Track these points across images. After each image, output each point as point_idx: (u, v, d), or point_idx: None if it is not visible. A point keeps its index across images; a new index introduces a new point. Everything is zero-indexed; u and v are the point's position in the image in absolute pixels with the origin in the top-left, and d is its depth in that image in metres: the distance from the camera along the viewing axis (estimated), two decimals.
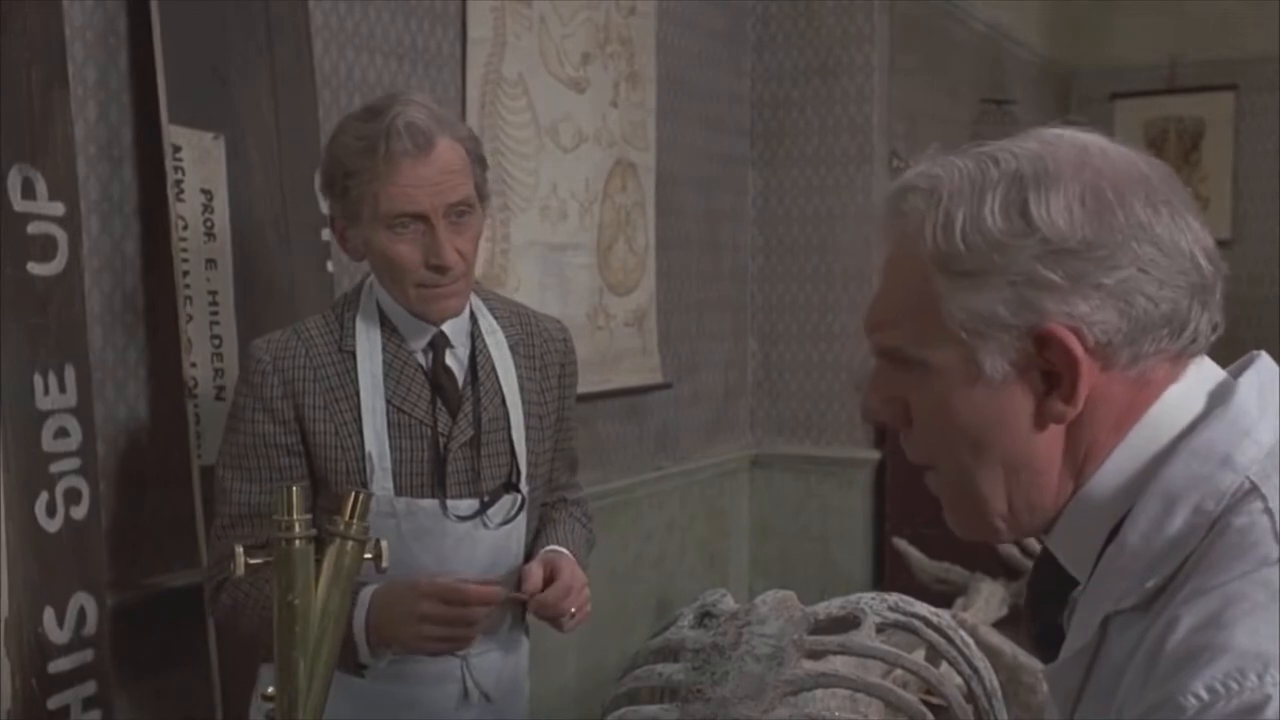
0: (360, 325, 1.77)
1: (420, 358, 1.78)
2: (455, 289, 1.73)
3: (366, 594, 1.66)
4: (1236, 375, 0.94)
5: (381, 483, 1.72)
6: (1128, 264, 0.88)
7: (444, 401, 1.77)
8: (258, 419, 1.73)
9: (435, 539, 1.75)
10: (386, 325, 1.77)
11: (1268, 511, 0.84)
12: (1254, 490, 0.86)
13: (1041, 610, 1.07)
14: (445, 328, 1.79)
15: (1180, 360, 0.92)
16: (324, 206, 2.32)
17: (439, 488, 1.75)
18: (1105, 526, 0.93)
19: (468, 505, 1.77)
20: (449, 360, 1.79)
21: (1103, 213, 0.89)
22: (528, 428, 1.83)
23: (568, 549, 1.85)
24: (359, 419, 1.73)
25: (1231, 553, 0.84)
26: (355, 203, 1.70)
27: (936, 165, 0.95)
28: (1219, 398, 0.92)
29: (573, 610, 1.75)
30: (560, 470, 1.98)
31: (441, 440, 1.76)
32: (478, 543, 1.78)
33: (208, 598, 1.79)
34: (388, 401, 1.74)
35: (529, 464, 1.83)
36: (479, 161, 1.75)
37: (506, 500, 1.80)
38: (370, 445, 1.73)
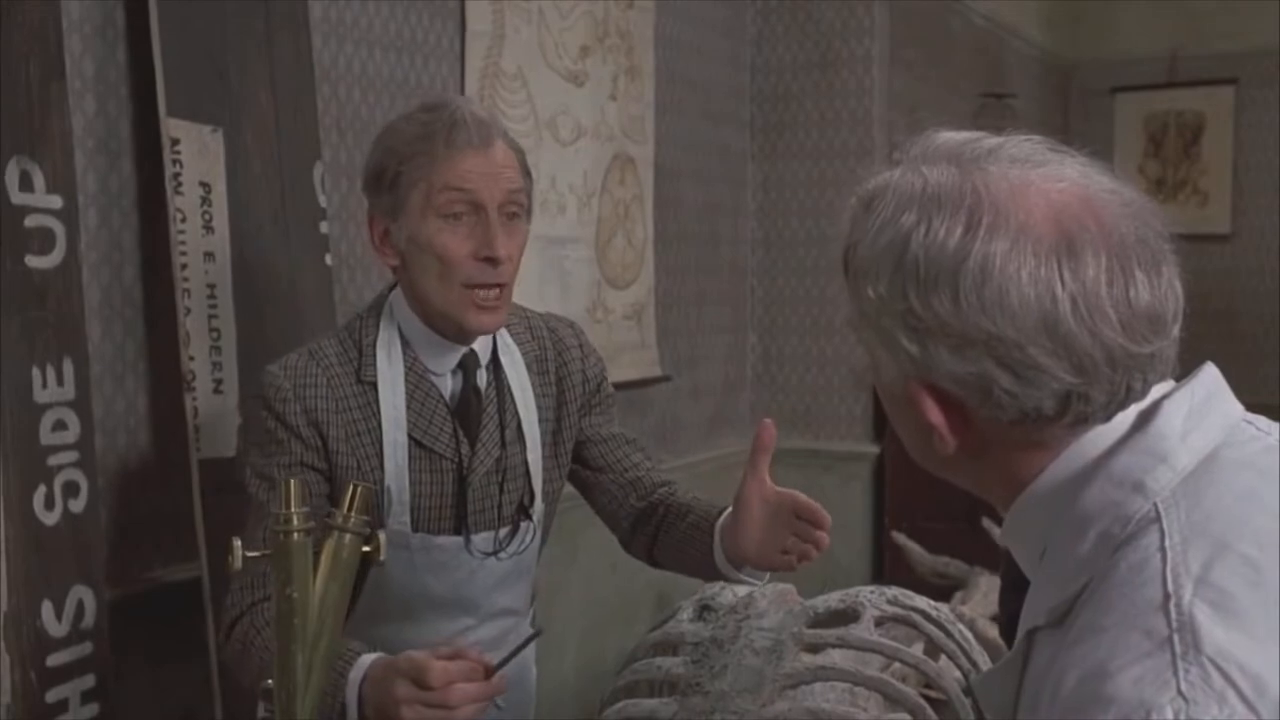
0: (380, 353, 1.70)
1: (446, 382, 1.72)
2: (500, 300, 1.67)
3: (360, 668, 1.54)
4: (1176, 392, 0.92)
5: (399, 516, 1.68)
6: (982, 356, 0.88)
7: (465, 431, 1.72)
8: (286, 439, 1.67)
9: (449, 571, 1.72)
10: (409, 352, 1.71)
11: (1161, 550, 0.84)
12: (1156, 521, 0.86)
13: (1010, 601, 1.07)
14: (475, 345, 1.73)
15: (1084, 423, 0.91)
16: (323, 199, 2.33)
17: (460, 520, 1.72)
18: (1039, 538, 0.94)
19: (484, 539, 1.73)
20: (478, 380, 1.74)
21: (983, 303, 0.87)
22: (542, 445, 1.80)
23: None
24: (380, 453, 1.68)
25: (1123, 589, 0.84)
26: (406, 189, 1.62)
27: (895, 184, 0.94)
28: (1144, 419, 0.91)
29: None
30: (638, 463, 1.91)
31: (464, 472, 1.71)
32: (490, 571, 1.75)
33: (223, 631, 1.70)
34: (409, 435, 1.69)
35: (544, 482, 1.81)
36: (526, 174, 1.71)
37: (522, 528, 1.77)
38: (390, 480, 1.68)
